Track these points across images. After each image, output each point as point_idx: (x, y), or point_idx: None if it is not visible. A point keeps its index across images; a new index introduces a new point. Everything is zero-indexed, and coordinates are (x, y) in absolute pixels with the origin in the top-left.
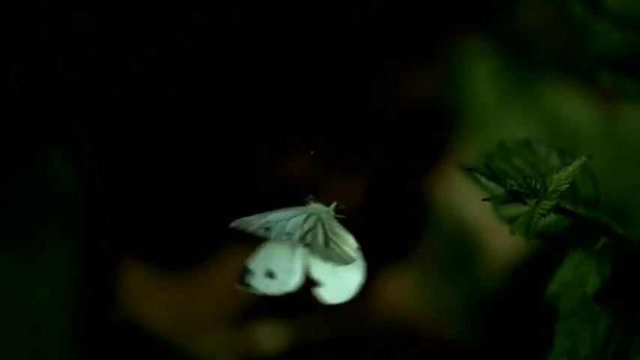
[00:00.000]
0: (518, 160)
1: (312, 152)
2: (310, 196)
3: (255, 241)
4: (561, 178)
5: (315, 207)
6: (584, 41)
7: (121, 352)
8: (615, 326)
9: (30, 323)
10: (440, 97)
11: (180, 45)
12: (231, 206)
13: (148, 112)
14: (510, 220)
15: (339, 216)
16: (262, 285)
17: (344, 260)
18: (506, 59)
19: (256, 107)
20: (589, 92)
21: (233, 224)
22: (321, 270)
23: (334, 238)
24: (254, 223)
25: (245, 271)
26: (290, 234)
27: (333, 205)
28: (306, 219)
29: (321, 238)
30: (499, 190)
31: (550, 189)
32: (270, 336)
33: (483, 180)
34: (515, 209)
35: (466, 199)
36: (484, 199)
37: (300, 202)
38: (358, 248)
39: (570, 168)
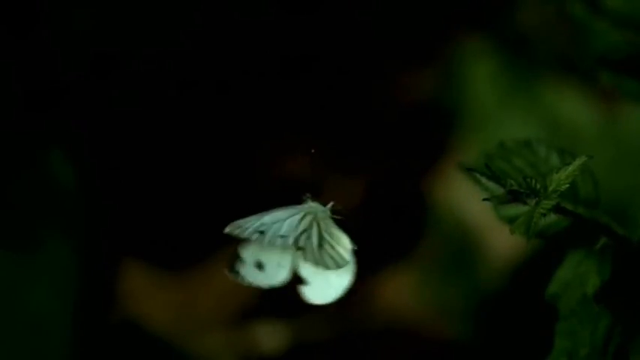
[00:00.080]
0: (518, 160)
1: (313, 151)
2: (307, 195)
3: None
4: (561, 178)
5: (312, 206)
6: (584, 41)
7: (121, 352)
8: (615, 326)
9: (30, 323)
10: (440, 97)
11: (180, 45)
12: (231, 206)
13: (148, 112)
14: (510, 220)
15: (335, 216)
16: (251, 275)
17: (336, 264)
18: (506, 59)
19: (256, 107)
20: (589, 92)
21: (227, 229)
22: (309, 269)
23: (328, 237)
24: (249, 225)
25: (236, 258)
26: (284, 237)
27: (330, 204)
28: (302, 219)
29: (315, 239)
30: (499, 190)
31: (550, 189)
32: (270, 336)
33: (483, 180)
34: (515, 209)
35: (466, 199)
36: (484, 199)
37: (299, 202)
38: (352, 249)
39: (570, 168)
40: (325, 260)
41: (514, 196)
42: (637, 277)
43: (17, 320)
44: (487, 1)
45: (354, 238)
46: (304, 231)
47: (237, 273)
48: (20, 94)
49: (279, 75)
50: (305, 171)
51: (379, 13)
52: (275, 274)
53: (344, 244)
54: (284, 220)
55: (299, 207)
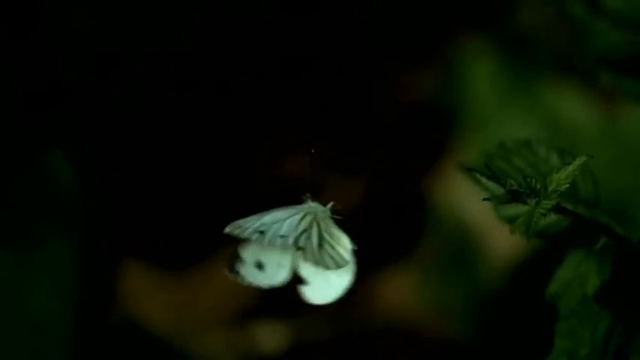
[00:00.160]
0: (518, 160)
1: (313, 151)
2: (307, 195)
3: None
4: (561, 178)
5: (312, 205)
6: (584, 41)
7: (121, 352)
8: (615, 326)
9: (30, 323)
10: (440, 97)
11: (180, 45)
12: (232, 206)
13: (148, 112)
14: (510, 220)
15: (335, 216)
16: (251, 275)
17: (336, 264)
18: (506, 59)
19: (256, 107)
20: (589, 92)
21: (227, 229)
22: (309, 269)
23: (328, 237)
24: (249, 225)
25: (236, 258)
26: (284, 237)
27: (330, 204)
28: (302, 218)
29: (315, 239)
30: (499, 190)
31: (550, 189)
32: (270, 336)
33: (483, 180)
34: (515, 209)
35: (466, 199)
36: (484, 199)
37: (299, 202)
38: (352, 249)
39: (570, 168)
40: (325, 260)
41: (514, 196)
42: (637, 277)
43: (17, 320)
44: (487, 1)
45: (354, 238)
46: (304, 231)
47: (237, 273)
48: (20, 94)
49: (279, 75)
50: (305, 171)
51: (379, 13)
52: (275, 274)
53: (344, 244)
54: (284, 220)
55: (299, 207)
